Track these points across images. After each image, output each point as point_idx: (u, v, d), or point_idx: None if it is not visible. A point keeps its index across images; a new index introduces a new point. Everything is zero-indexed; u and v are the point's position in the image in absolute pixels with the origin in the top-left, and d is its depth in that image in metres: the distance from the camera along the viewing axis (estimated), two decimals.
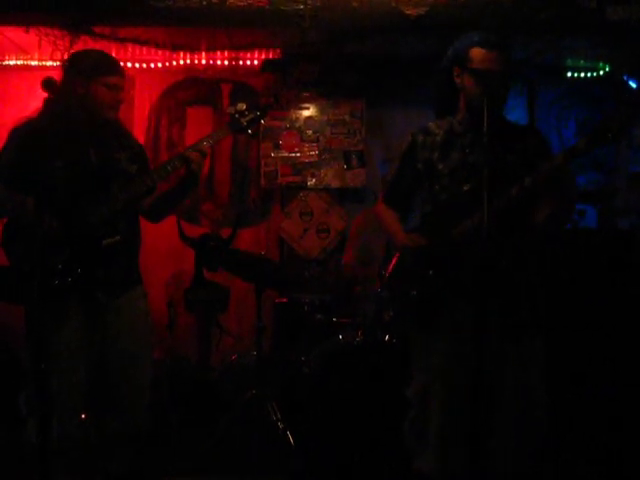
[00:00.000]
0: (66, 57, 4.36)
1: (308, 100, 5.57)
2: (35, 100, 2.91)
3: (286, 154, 5.56)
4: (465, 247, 2.64)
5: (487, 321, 2.45)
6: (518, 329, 2.69)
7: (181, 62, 5.29)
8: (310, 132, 5.57)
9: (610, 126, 2.41)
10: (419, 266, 2.80)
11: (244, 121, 3.18)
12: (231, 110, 3.22)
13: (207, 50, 5.17)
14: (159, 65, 5.33)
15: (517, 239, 2.72)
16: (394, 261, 2.95)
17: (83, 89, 2.91)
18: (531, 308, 2.73)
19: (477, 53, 2.66)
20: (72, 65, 2.99)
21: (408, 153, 2.91)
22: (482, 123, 2.47)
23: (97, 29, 4.54)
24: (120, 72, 3.01)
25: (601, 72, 5.53)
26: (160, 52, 5.11)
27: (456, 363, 2.64)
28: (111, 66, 2.99)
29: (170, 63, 5.31)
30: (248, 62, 5.37)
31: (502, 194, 2.56)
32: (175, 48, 5.06)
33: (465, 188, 2.73)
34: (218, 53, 5.24)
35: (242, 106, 3.18)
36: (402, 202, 3.02)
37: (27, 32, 4.45)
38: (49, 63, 4.98)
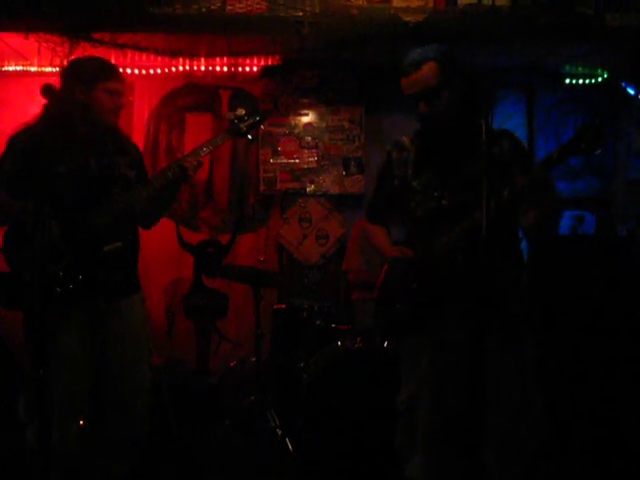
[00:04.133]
0: (65, 63, 4.38)
1: (307, 106, 5.58)
2: (34, 106, 2.90)
3: (285, 160, 5.56)
4: (445, 260, 2.68)
5: (477, 328, 2.48)
6: (509, 334, 2.68)
7: (180, 68, 5.29)
8: (309, 138, 5.57)
9: (584, 137, 2.40)
10: (405, 278, 2.82)
11: (243, 126, 3.20)
12: (230, 116, 3.24)
13: (206, 56, 5.17)
14: (158, 71, 5.33)
15: (505, 244, 2.72)
16: (383, 273, 2.95)
17: (83, 95, 2.92)
18: (521, 313, 2.74)
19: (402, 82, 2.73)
20: (72, 72, 3.00)
21: (384, 170, 2.94)
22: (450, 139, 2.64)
23: (96, 35, 4.53)
24: (120, 78, 3.03)
25: (599, 78, 5.54)
26: (159, 58, 5.11)
27: (441, 369, 2.69)
28: (111, 72, 3.00)
29: (169, 69, 5.31)
30: (247, 68, 5.38)
31: (480, 207, 2.50)
32: (174, 54, 5.06)
33: (444, 202, 2.73)
34: (217, 59, 5.24)
35: (241, 111, 3.21)
36: (384, 218, 3.06)
37: (26, 38, 4.45)
38: (48, 69, 4.99)
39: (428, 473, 2.74)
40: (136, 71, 5.28)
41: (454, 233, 2.64)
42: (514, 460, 2.65)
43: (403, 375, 2.91)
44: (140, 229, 3.18)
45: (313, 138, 5.57)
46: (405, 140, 2.91)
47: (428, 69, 2.66)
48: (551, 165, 2.48)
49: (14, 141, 2.93)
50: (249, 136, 3.25)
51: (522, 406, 2.67)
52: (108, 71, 2.99)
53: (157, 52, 4.95)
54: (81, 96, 2.92)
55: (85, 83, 2.92)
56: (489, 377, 2.57)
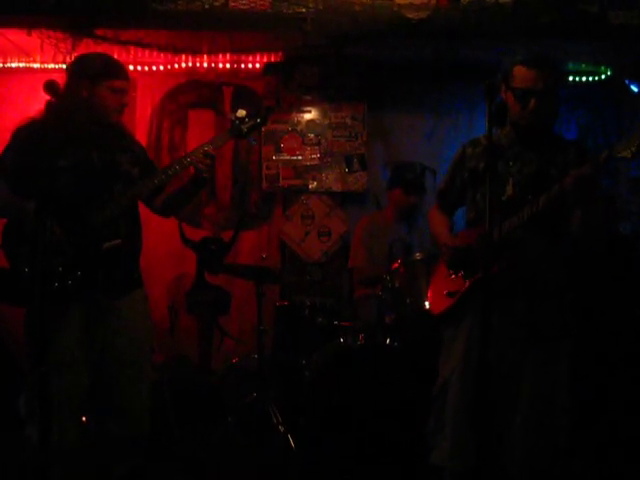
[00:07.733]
0: (68, 60, 4.39)
1: (310, 103, 5.57)
2: (37, 103, 2.90)
3: (287, 157, 5.55)
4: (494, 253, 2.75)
5: (510, 322, 2.68)
6: (544, 331, 2.79)
7: (183, 65, 5.29)
8: (312, 135, 5.57)
9: (631, 142, 2.47)
10: (452, 268, 2.98)
11: (244, 128, 3.20)
12: (232, 116, 3.24)
13: (209, 53, 5.16)
14: (161, 68, 5.33)
15: (550, 244, 2.83)
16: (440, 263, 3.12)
17: (88, 92, 2.92)
18: (559, 311, 2.83)
19: (518, 71, 2.79)
20: (77, 68, 2.99)
21: (457, 163, 3.07)
22: (526, 138, 2.77)
23: (99, 32, 4.53)
24: (125, 76, 3.02)
25: (602, 76, 5.53)
26: (162, 55, 5.11)
27: (473, 352, 2.73)
28: (117, 70, 2.99)
29: (172, 66, 5.31)
30: (250, 65, 5.37)
31: (533, 202, 2.68)
32: (177, 51, 5.06)
33: (503, 198, 2.82)
34: (220, 56, 5.23)
35: (242, 113, 3.20)
36: (452, 209, 3.21)
37: (29, 35, 4.45)
38: (51, 66, 4.99)
39: (453, 459, 2.80)
40: (139, 68, 5.28)
41: (503, 228, 2.74)
42: (536, 454, 2.73)
43: (440, 364, 3.01)
44: (145, 225, 3.18)
45: (316, 135, 5.57)
46: (481, 137, 3.03)
47: (553, 73, 2.79)
48: (599, 166, 2.57)
49: (17, 134, 2.92)
50: (250, 137, 3.26)
51: (546, 403, 2.75)
52: (114, 69, 2.99)
53: (160, 49, 4.95)
54: (85, 93, 2.92)
55: (90, 80, 2.92)
56: (519, 372, 2.76)
